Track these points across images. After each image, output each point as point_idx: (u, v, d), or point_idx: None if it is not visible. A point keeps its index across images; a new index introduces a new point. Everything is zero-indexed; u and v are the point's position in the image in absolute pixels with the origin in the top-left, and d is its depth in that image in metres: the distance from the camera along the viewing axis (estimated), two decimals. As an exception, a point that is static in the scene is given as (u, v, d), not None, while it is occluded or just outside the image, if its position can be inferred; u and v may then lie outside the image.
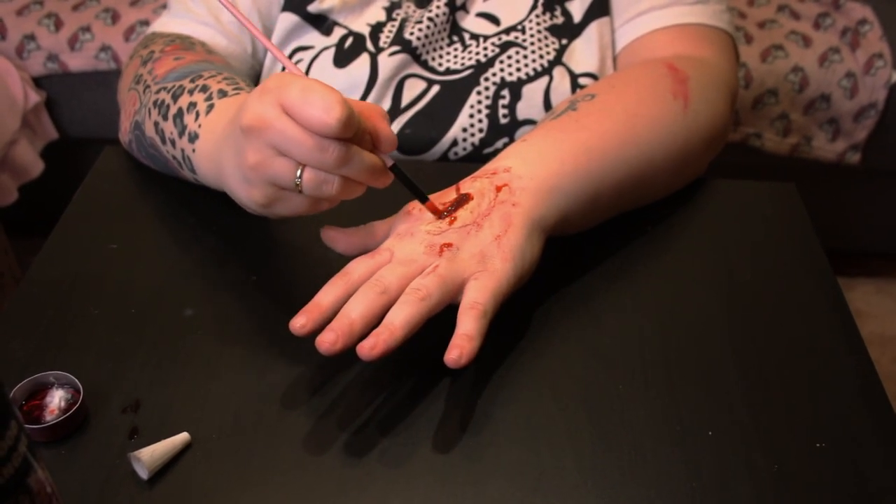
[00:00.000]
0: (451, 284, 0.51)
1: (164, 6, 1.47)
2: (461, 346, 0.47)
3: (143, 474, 0.46)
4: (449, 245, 0.52)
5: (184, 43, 0.71)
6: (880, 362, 1.50)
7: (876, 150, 1.49)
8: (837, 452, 0.49)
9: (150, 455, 0.46)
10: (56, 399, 0.49)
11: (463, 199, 0.55)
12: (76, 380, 0.50)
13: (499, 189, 0.55)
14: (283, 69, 0.78)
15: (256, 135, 0.48)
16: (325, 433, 0.49)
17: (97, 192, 0.67)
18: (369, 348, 0.47)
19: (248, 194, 0.51)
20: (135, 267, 0.61)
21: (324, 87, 0.46)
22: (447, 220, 0.54)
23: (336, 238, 0.56)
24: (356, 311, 0.48)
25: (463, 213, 0.54)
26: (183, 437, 0.48)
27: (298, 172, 0.48)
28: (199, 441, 0.49)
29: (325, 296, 0.50)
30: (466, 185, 0.57)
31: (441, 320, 0.56)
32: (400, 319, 0.48)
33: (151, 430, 0.49)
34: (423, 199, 0.55)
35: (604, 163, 0.59)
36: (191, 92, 0.60)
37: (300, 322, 0.49)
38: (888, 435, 0.50)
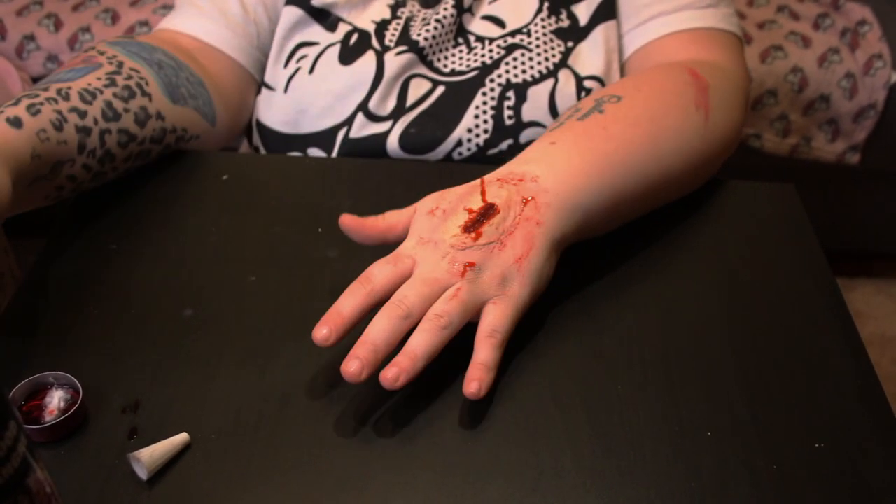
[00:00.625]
0: (472, 308, 0.51)
1: (164, 7, 1.47)
2: (480, 378, 0.49)
3: (143, 475, 0.46)
4: (472, 265, 0.52)
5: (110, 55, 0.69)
6: (880, 363, 1.50)
7: (875, 151, 1.49)
8: (837, 453, 0.49)
9: (150, 455, 0.46)
10: (55, 399, 0.49)
11: (489, 212, 0.54)
12: (75, 380, 0.50)
13: (525, 202, 0.55)
14: (286, 65, 0.78)
15: None
16: (325, 433, 0.49)
17: (97, 192, 0.67)
18: (393, 380, 0.48)
19: None
20: (134, 267, 0.61)
21: None
22: (472, 235, 0.53)
23: (354, 227, 0.56)
24: (380, 339, 0.49)
25: (488, 229, 0.53)
26: (182, 437, 0.48)
27: None
28: (198, 441, 0.49)
29: (346, 304, 0.50)
30: (493, 189, 0.55)
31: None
32: (422, 348, 0.49)
33: (151, 431, 0.49)
34: None
35: (626, 178, 0.59)
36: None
37: (323, 334, 0.49)
38: (887, 436, 0.50)
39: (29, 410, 0.49)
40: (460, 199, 0.55)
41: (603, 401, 0.51)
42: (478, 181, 0.57)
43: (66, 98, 0.60)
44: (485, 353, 0.50)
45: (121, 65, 0.66)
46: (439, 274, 0.52)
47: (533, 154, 0.59)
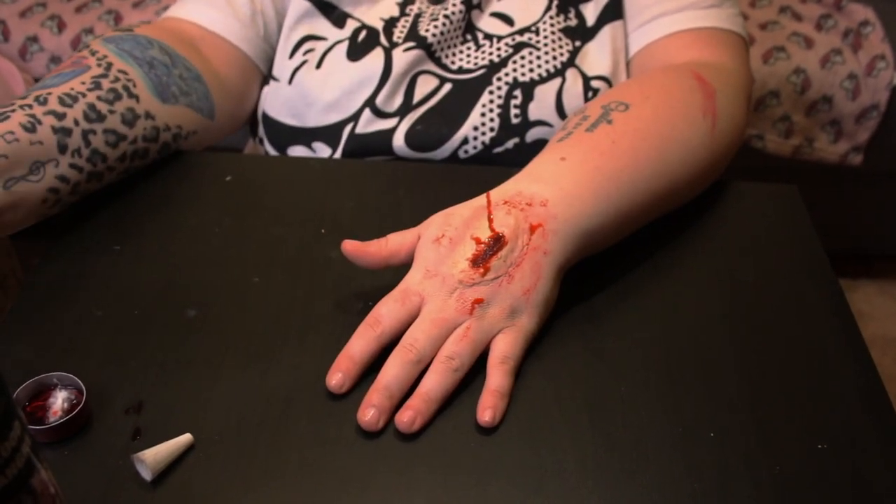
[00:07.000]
0: (481, 345, 0.52)
1: (167, 8, 1.48)
2: (494, 405, 0.50)
3: (147, 475, 0.47)
4: (480, 301, 0.52)
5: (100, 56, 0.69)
6: (882, 363, 1.50)
7: (878, 152, 1.49)
8: (839, 454, 0.49)
9: (154, 456, 0.47)
10: (59, 400, 0.50)
11: (497, 244, 0.53)
12: (79, 381, 0.50)
13: (533, 229, 0.54)
14: (291, 55, 0.78)
15: None
16: (328, 434, 0.50)
17: (99, 192, 0.67)
18: (410, 423, 0.49)
19: None
20: (137, 268, 0.61)
21: None
22: (480, 269, 0.53)
23: (356, 253, 0.56)
24: (394, 385, 0.50)
25: (496, 263, 0.53)
26: (186, 438, 0.48)
27: None
28: (201, 442, 0.49)
29: (357, 348, 0.52)
30: (500, 215, 0.54)
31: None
32: (436, 391, 0.50)
33: (154, 432, 0.49)
34: None
35: (633, 196, 0.59)
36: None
37: (337, 380, 0.51)
38: (890, 436, 0.50)
39: (33, 411, 0.49)
40: (466, 226, 0.54)
41: (606, 402, 0.51)
42: (483, 201, 0.56)
43: (44, 103, 0.61)
44: (497, 379, 0.51)
45: (109, 66, 0.67)
46: (448, 313, 0.52)
47: (542, 171, 0.58)
